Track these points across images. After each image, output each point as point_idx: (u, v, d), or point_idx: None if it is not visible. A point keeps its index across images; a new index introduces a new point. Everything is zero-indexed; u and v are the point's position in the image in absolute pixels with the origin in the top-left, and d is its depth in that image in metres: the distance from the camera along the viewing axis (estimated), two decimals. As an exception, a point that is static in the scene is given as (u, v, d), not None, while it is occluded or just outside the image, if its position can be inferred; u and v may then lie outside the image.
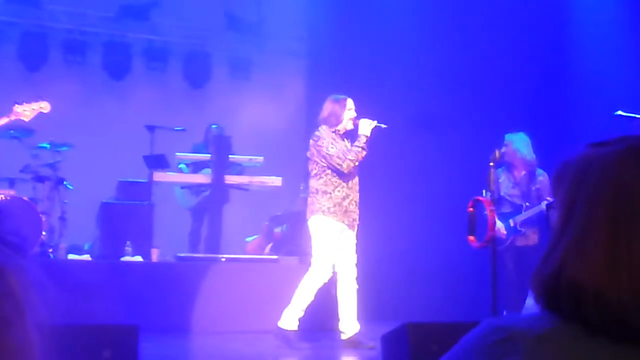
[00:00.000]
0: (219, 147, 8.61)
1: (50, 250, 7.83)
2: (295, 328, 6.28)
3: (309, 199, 6.45)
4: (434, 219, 8.40)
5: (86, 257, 7.92)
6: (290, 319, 6.28)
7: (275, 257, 8.08)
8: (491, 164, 5.53)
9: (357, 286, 6.35)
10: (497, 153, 5.55)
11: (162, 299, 6.95)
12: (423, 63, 8.78)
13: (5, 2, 10.33)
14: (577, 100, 8.48)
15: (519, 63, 8.81)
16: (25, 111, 5.91)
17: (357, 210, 6.38)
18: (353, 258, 6.34)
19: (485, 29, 8.80)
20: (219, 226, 8.64)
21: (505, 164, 7.01)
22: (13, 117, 6.02)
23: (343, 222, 6.29)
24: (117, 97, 10.60)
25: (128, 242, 7.61)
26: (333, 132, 6.39)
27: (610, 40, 8.44)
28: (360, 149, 6.29)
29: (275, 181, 8.69)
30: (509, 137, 7.05)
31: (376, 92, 8.37)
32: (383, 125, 6.38)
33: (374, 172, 8.21)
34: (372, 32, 9.21)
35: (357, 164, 6.31)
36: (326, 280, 6.31)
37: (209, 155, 8.69)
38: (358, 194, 6.40)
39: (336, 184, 6.31)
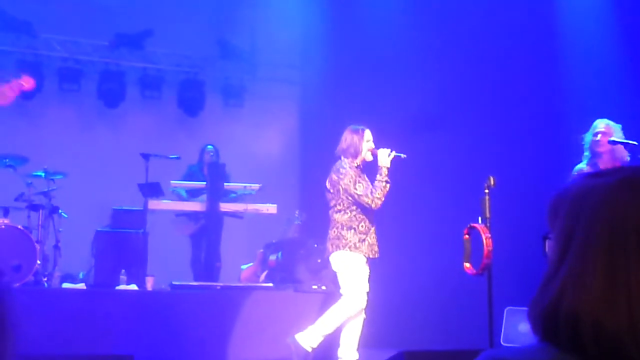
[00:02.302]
0: (214, 175, 8.62)
1: (45, 279, 7.80)
2: (310, 349, 6.25)
3: (333, 232, 6.44)
4: (430, 244, 8.41)
5: (81, 285, 7.88)
6: (311, 338, 6.27)
7: (270, 284, 8.05)
8: (486, 190, 5.54)
9: (364, 316, 6.37)
10: (491, 179, 5.55)
11: (157, 327, 6.91)
12: (416, 90, 8.82)
13: (0, 31, 10.38)
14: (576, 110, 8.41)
15: (518, 90, 8.81)
16: (5, 93, 5.13)
17: (375, 240, 6.45)
18: (366, 287, 6.37)
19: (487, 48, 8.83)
20: (215, 254, 8.63)
21: (592, 155, 6.11)
22: None
23: (367, 255, 6.36)
24: (112, 125, 10.62)
25: (123, 271, 7.59)
26: (356, 167, 6.42)
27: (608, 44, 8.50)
28: (384, 184, 6.35)
29: (270, 209, 8.70)
30: (605, 124, 6.14)
31: (368, 119, 8.40)
32: (402, 155, 6.43)
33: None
34: (365, 59, 9.27)
35: (384, 199, 6.34)
36: (361, 311, 6.35)
37: (204, 183, 8.69)
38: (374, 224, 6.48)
39: (360, 219, 6.38)
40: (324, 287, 7.74)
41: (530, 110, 8.73)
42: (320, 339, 6.29)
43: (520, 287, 7.26)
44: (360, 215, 6.35)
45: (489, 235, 5.45)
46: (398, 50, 9.03)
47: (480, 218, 5.55)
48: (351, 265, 6.33)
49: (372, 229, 6.41)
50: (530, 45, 8.80)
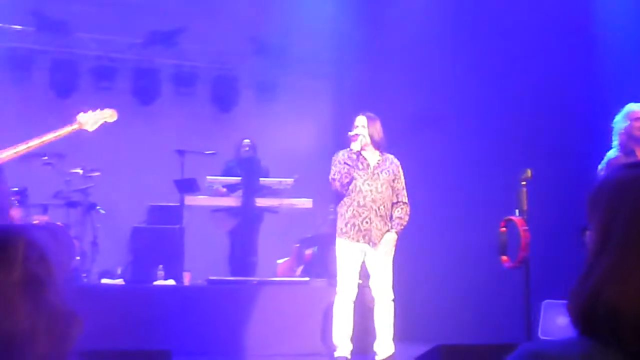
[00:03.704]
0: (250, 170, 8.65)
1: (84, 275, 7.89)
2: (342, 354, 6.21)
3: None
4: (467, 237, 8.34)
5: (119, 281, 7.97)
6: (335, 344, 6.25)
7: (306, 279, 8.07)
8: (523, 182, 5.49)
9: (390, 306, 6.29)
10: (528, 172, 5.51)
11: (194, 322, 6.96)
12: (449, 81, 8.76)
13: (36, 31, 10.50)
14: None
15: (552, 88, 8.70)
16: (90, 120, 5.52)
17: (381, 227, 6.26)
18: (383, 278, 6.27)
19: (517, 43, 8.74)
20: (252, 249, 8.67)
21: (627, 141, 5.78)
22: (77, 127, 5.54)
23: (359, 241, 6.22)
24: (147, 122, 10.70)
25: (160, 266, 7.65)
26: (353, 153, 6.33)
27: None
28: (342, 166, 6.26)
29: (306, 203, 8.71)
30: None
31: (400, 111, 8.38)
32: (350, 134, 6.30)
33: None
34: (397, 52, 9.22)
35: (341, 182, 6.23)
36: (347, 301, 6.24)
37: (240, 178, 8.72)
38: (382, 209, 6.26)
39: (348, 204, 6.28)
40: (360, 281, 7.73)
41: (567, 101, 8.62)
42: (338, 340, 6.23)
43: (557, 280, 7.17)
44: (347, 200, 6.27)
45: (526, 228, 5.41)
46: (431, 41, 8.96)
47: (517, 210, 5.51)
48: (337, 251, 6.30)
49: (366, 214, 6.22)
50: (565, 34, 8.68)
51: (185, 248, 8.00)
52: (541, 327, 7.73)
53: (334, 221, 9.18)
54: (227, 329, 7.05)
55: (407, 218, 6.34)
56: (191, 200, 8.48)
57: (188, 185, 8.39)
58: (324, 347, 6.91)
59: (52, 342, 0.95)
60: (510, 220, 5.57)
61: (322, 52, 10.98)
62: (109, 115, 5.55)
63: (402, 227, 6.31)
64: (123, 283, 7.86)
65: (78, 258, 7.85)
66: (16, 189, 8.09)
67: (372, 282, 6.30)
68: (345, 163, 6.26)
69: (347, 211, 6.27)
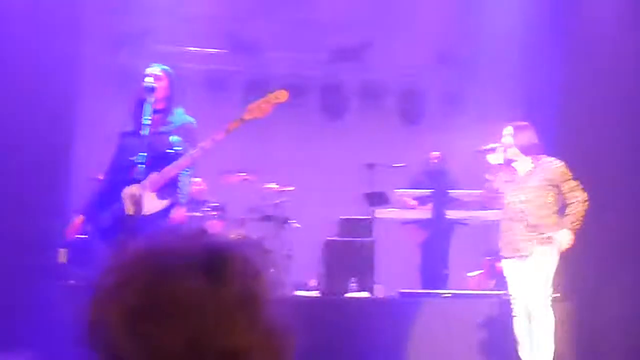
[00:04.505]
0: (439, 182, 8.58)
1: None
2: None
3: None
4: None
5: (313, 293, 8.12)
6: None
7: (502, 292, 7.86)
8: None
9: (538, 329, 6.03)
10: None
11: (389, 334, 6.97)
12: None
13: (229, 53, 10.98)
14: None
15: None
16: (259, 107, 5.44)
17: (526, 236, 6.06)
18: (535, 292, 6.03)
19: None
20: (443, 261, 8.58)
21: None
22: (248, 117, 5.33)
23: (509, 257, 6.19)
24: (336, 137, 10.88)
25: (352, 279, 7.72)
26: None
27: None
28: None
29: (496, 215, 8.50)
30: None
31: (592, 120, 8.00)
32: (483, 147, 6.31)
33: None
34: (588, 57, 8.81)
35: (487, 197, 6.44)
36: (516, 319, 6.15)
37: (429, 190, 8.67)
38: (527, 219, 6.06)
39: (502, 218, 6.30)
40: (557, 294, 7.45)
41: None
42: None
43: None
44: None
45: None
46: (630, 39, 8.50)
47: None
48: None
49: (510, 225, 6.18)
50: None
51: (376, 260, 8.03)
52: None
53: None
54: (420, 341, 7.00)
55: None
56: (381, 212, 8.52)
57: (378, 198, 8.44)
58: None
59: (267, 358, 0.96)
60: None
61: (509, 61, 10.72)
62: (280, 95, 5.45)
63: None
64: (317, 295, 7.99)
65: (272, 271, 8.07)
66: (216, 204, 8.48)
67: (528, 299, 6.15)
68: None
69: (501, 226, 6.37)
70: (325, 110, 11.13)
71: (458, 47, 10.97)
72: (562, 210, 6.16)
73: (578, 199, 6.06)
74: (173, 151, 5.29)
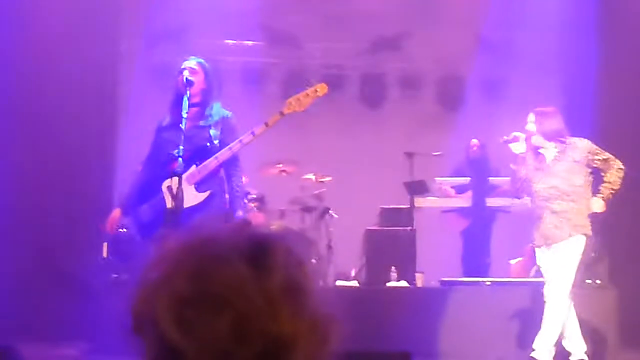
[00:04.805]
0: (479, 170, 8.54)
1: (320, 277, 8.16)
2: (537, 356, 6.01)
3: None
4: None
5: (353, 283, 8.15)
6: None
7: (542, 279, 7.81)
8: None
9: (558, 312, 6.00)
10: None
11: (430, 323, 6.97)
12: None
13: (267, 45, 11.03)
14: None
15: None
16: (299, 100, 5.50)
17: (554, 223, 5.97)
18: (559, 279, 6.00)
19: None
20: (485, 249, 8.55)
21: None
22: (287, 111, 5.40)
23: (540, 245, 6.13)
24: (375, 126, 10.88)
25: (393, 268, 7.73)
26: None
27: None
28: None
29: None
30: None
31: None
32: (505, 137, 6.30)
33: None
34: (632, 43, 8.69)
35: (514, 187, 6.33)
36: (545, 304, 6.11)
37: (469, 178, 8.64)
38: (557, 204, 5.97)
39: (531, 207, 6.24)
40: (598, 281, 7.39)
41: None
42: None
43: None
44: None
45: None
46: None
47: None
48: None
49: (539, 212, 6.08)
50: None
51: (417, 249, 8.03)
52: None
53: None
54: (461, 329, 6.99)
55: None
56: (421, 202, 8.51)
57: (418, 187, 8.43)
58: (561, 349, 6.72)
59: (313, 346, 0.99)
60: None
61: (549, 46, 10.61)
62: (320, 88, 5.50)
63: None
64: (358, 285, 8.02)
65: (314, 261, 8.11)
66: (255, 195, 8.55)
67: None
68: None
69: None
70: (364, 101, 11.14)
71: (496, 32, 10.89)
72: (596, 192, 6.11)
73: (613, 166, 5.99)
74: (210, 145, 5.33)
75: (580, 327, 6.15)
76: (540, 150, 6.14)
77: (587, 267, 7.81)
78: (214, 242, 1.01)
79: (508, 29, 10.76)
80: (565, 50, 10.23)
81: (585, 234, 5.99)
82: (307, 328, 0.98)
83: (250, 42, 11.04)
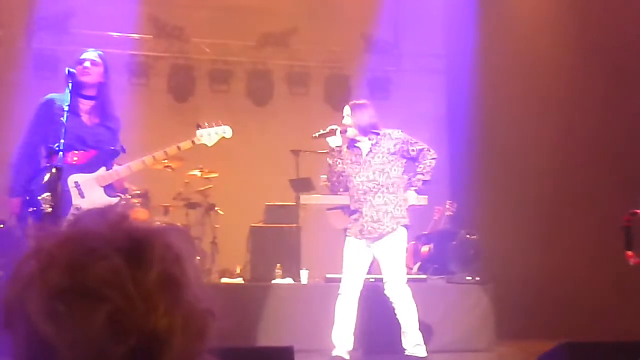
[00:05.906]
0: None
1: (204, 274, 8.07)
2: (339, 353, 6.11)
3: None
4: (592, 232, 8.07)
5: (238, 280, 8.11)
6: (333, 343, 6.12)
7: (424, 276, 7.99)
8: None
9: (396, 304, 6.10)
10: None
11: (313, 319, 7.01)
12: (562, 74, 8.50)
13: (154, 38, 10.83)
14: None
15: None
16: (209, 136, 5.62)
17: (375, 216, 5.98)
18: (392, 273, 6.00)
19: None
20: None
21: None
22: (197, 141, 5.58)
23: (360, 239, 6.03)
24: (262, 122, 10.86)
25: (278, 265, 7.74)
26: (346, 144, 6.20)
27: None
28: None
29: (421, 200, 8.62)
30: None
31: (518, 105, 8.19)
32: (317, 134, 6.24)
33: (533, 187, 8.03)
34: (513, 43, 9.02)
35: (331, 181, 6.25)
36: (347, 301, 6.13)
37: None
38: (377, 197, 6.00)
39: (350, 201, 6.14)
40: (477, 278, 7.61)
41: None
42: (337, 338, 6.15)
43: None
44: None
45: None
46: (550, 28, 8.71)
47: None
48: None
49: (362, 210, 5.99)
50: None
51: (302, 246, 8.05)
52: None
53: (451, 218, 9.12)
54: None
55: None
56: (306, 199, 8.54)
57: (303, 185, 8.46)
58: (442, 344, 6.88)
59: (189, 340, 0.97)
60: (636, 213, 5.35)
61: (433, 46, 10.87)
62: (227, 131, 5.68)
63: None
64: (243, 282, 7.99)
65: (198, 258, 8.02)
66: (138, 191, 8.38)
67: (385, 280, 6.14)
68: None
69: (350, 208, 6.18)
70: (251, 97, 11.10)
71: (383, 32, 11.07)
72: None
73: (427, 156, 6.11)
74: (120, 149, 5.27)
75: (460, 321, 6.30)
76: (356, 144, 6.12)
77: (465, 264, 8.07)
78: (91, 235, 0.97)
79: (394, 29, 10.96)
80: (450, 50, 10.52)
81: (406, 225, 6.06)
82: (182, 322, 0.96)
83: (136, 35, 10.81)
